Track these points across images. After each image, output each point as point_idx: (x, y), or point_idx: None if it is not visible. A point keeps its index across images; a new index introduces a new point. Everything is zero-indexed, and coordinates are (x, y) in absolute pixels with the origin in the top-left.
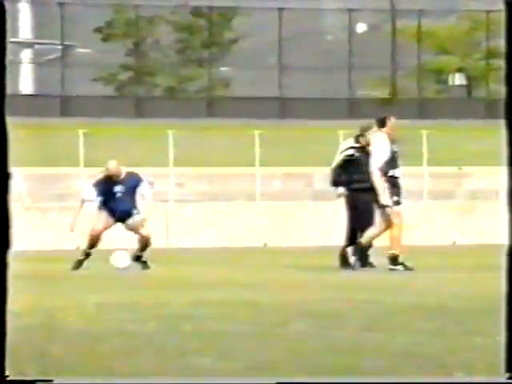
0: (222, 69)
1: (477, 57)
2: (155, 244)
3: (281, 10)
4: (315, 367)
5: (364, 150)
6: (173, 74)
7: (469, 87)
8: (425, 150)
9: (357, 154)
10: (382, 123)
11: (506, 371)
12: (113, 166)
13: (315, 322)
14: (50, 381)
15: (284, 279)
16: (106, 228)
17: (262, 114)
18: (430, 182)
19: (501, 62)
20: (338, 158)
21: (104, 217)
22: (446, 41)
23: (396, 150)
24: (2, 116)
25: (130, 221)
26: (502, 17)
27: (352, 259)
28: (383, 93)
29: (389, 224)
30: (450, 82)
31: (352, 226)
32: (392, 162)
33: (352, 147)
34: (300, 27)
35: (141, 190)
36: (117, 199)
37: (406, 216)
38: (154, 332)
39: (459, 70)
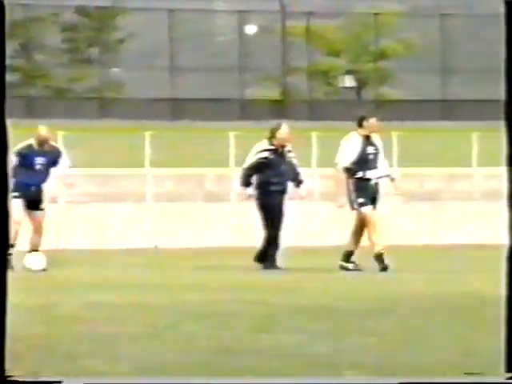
0: (114, 70)
1: (365, 59)
2: (46, 245)
3: (171, 11)
4: (205, 368)
5: (278, 152)
6: (61, 75)
7: (358, 89)
8: (314, 151)
9: (271, 157)
10: (359, 123)
11: (506, 371)
12: (44, 131)
13: (206, 322)
14: (51, 381)
15: (175, 280)
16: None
17: (154, 115)
18: (320, 183)
19: (389, 64)
20: (252, 159)
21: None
22: (336, 42)
23: (372, 151)
24: (2, 117)
25: (39, 214)
26: (389, 19)
27: (350, 265)
28: (274, 94)
29: (361, 224)
30: (340, 84)
31: (268, 226)
32: (364, 163)
33: (266, 149)
34: (191, 28)
35: (59, 166)
36: (36, 172)
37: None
38: (43, 334)
39: (348, 71)
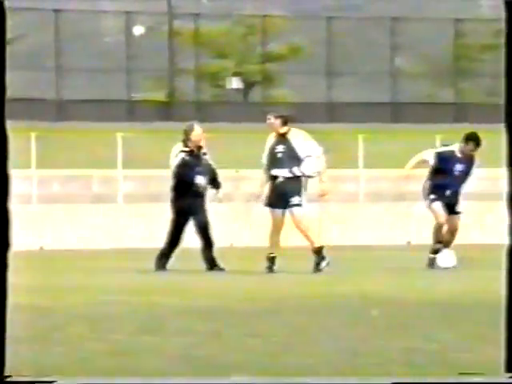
0: None
1: (253, 61)
2: None
3: (57, 11)
4: (91, 370)
5: (194, 154)
6: None
7: (245, 91)
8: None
9: (187, 159)
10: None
11: (506, 371)
12: None
13: (92, 325)
14: (51, 382)
15: (60, 283)
16: None
17: (39, 115)
18: None
19: (276, 67)
20: (173, 163)
21: None
22: (223, 44)
23: (281, 150)
24: (2, 118)
25: None
26: (277, 21)
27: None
28: (161, 95)
29: (274, 223)
30: (228, 86)
31: (176, 229)
32: (272, 162)
33: (182, 151)
34: (77, 29)
35: None
36: None
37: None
38: None
39: (236, 73)
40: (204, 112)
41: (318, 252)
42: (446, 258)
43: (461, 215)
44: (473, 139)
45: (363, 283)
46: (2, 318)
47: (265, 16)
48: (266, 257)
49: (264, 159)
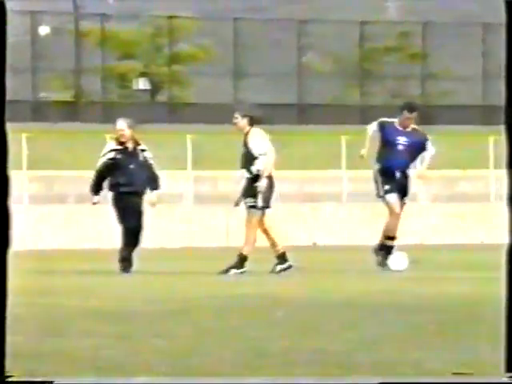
0: None
1: (159, 62)
2: None
3: None
4: None
5: (127, 152)
6: None
7: (152, 92)
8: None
9: (118, 157)
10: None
11: (506, 371)
12: None
13: None
14: (51, 382)
15: None
16: None
17: None
18: None
19: (183, 68)
20: (100, 161)
21: None
22: (130, 45)
23: (242, 150)
24: (2, 119)
25: None
26: (184, 22)
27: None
28: (67, 96)
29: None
30: (135, 87)
31: (125, 228)
32: (242, 163)
33: (113, 149)
34: None
35: None
36: None
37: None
38: None
39: (143, 74)
40: (111, 112)
41: (244, 258)
42: (397, 259)
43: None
44: (405, 107)
45: (270, 284)
46: (2, 318)
47: (171, 17)
48: (275, 255)
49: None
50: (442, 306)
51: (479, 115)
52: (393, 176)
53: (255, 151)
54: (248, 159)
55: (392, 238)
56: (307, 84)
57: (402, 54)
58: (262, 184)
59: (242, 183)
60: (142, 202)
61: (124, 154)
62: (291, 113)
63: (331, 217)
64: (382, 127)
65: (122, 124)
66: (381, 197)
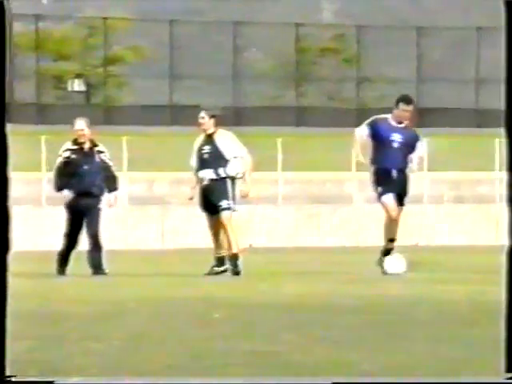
0: None
1: (95, 63)
2: None
3: None
4: None
5: (82, 152)
6: None
7: (87, 93)
8: (44, 154)
9: (73, 157)
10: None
11: (506, 371)
12: None
13: None
14: (51, 382)
15: None
16: None
17: None
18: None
19: (119, 69)
20: (57, 161)
21: None
22: (64, 47)
23: (207, 150)
24: (2, 121)
25: None
26: (119, 24)
27: None
28: None
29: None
30: (70, 88)
31: (72, 230)
32: (199, 163)
33: (68, 149)
34: None
35: None
36: None
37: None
38: None
39: (78, 75)
40: (45, 114)
41: (235, 257)
42: (394, 262)
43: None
44: (401, 99)
45: (207, 286)
46: (2, 318)
47: (106, 18)
48: (214, 257)
49: (192, 161)
50: (378, 307)
51: (414, 118)
52: (389, 176)
53: (229, 153)
54: (216, 160)
55: (392, 241)
56: (243, 86)
57: (337, 56)
58: (247, 189)
59: (206, 184)
60: (95, 204)
61: (79, 155)
62: (227, 115)
63: (267, 219)
64: (374, 126)
65: (81, 124)
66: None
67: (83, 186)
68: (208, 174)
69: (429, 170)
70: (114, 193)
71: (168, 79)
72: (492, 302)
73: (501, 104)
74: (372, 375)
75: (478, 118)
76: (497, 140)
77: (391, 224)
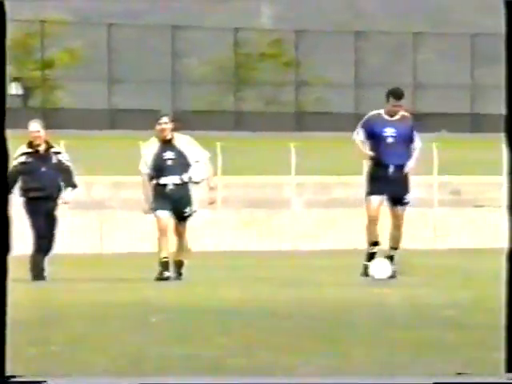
0: None
1: (32, 66)
2: None
3: None
4: None
5: (38, 155)
6: None
7: (25, 96)
8: None
9: (28, 160)
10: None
11: (506, 371)
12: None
13: None
14: (38, 381)
15: None
16: None
17: None
18: None
19: (56, 72)
20: (12, 165)
21: None
22: None
23: (170, 156)
24: (2, 125)
25: None
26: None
27: None
28: None
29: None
30: (7, 92)
31: (37, 234)
32: (160, 170)
33: (23, 153)
34: None
35: None
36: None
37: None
38: None
39: (15, 79)
40: None
41: (182, 264)
42: (380, 266)
43: (406, 207)
44: (390, 93)
45: (145, 290)
46: (3, 318)
47: (44, 21)
48: (158, 262)
49: (146, 167)
50: (314, 311)
51: (351, 122)
52: (384, 174)
53: (192, 158)
54: (180, 166)
55: (375, 244)
56: (182, 90)
57: (276, 60)
58: (214, 195)
59: (171, 189)
60: (55, 207)
61: (35, 158)
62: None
63: (205, 223)
64: (368, 124)
65: (36, 126)
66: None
67: (41, 189)
68: (173, 180)
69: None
70: (70, 190)
71: (106, 83)
72: (427, 305)
73: (437, 108)
74: (308, 378)
75: (416, 123)
76: (434, 144)
77: (371, 225)
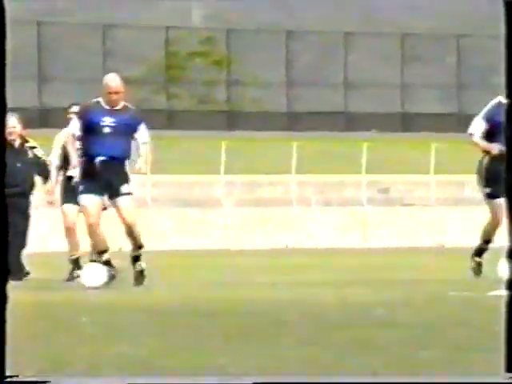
0: None
1: None
2: None
3: None
4: None
5: (13, 150)
6: None
7: None
8: None
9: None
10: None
11: (506, 371)
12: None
13: None
14: (42, 381)
15: None
16: None
17: None
18: None
19: None
20: None
21: None
22: None
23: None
24: (2, 123)
25: None
26: None
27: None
28: None
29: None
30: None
31: (12, 231)
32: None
33: None
34: None
35: None
36: None
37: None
38: None
39: None
40: None
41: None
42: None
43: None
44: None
45: (76, 290)
46: (2, 318)
47: None
48: (69, 260)
49: (54, 157)
50: (246, 310)
51: (284, 122)
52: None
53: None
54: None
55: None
56: None
57: (207, 59)
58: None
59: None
60: (29, 204)
61: (10, 152)
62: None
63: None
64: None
65: (13, 121)
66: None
67: (16, 185)
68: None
69: (296, 173)
70: (48, 183)
71: (36, 81)
72: (361, 304)
73: (367, 107)
74: (239, 378)
75: (347, 122)
76: (365, 144)
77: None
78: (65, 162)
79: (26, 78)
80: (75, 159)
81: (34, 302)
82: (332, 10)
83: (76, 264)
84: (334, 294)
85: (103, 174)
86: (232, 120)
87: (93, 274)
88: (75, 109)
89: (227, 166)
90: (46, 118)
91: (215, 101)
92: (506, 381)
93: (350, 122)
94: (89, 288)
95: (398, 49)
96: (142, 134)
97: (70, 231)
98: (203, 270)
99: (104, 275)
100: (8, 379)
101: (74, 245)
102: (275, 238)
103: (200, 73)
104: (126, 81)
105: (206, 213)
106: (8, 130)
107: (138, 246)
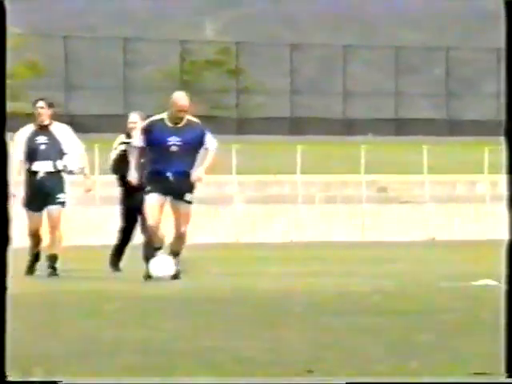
0: None
1: None
2: None
3: None
4: None
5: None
6: None
7: None
8: None
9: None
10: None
11: (506, 371)
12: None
13: None
14: (50, 382)
15: None
16: None
17: None
18: None
19: (14, 82)
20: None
21: None
22: None
23: (43, 141)
24: (3, 127)
25: None
26: (13, 39)
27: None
28: None
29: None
30: None
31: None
32: (32, 155)
33: (123, 142)
34: None
35: None
36: None
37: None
38: None
39: None
40: None
41: (55, 257)
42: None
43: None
44: None
45: (100, 280)
46: (2, 318)
47: None
48: (29, 254)
49: (19, 153)
50: (254, 299)
51: (287, 126)
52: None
53: (70, 147)
54: (54, 152)
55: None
56: (133, 96)
57: (219, 69)
58: (90, 183)
59: (41, 176)
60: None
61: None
62: (117, 122)
63: (84, 220)
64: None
65: (135, 117)
66: None
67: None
68: (45, 166)
69: (301, 173)
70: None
71: (63, 90)
72: (356, 293)
73: (365, 114)
74: (254, 361)
75: (346, 127)
76: (362, 147)
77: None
78: (29, 155)
79: (54, 88)
80: (134, 170)
81: (57, 290)
82: (332, 25)
83: (36, 257)
84: (335, 283)
85: (170, 184)
86: (241, 125)
87: (162, 265)
88: (40, 104)
89: (238, 167)
90: (71, 124)
91: (226, 107)
92: (506, 381)
93: (348, 126)
94: (156, 278)
95: (392, 60)
96: (210, 142)
97: (36, 231)
98: (215, 261)
99: (172, 268)
100: (8, 379)
101: (39, 240)
102: (282, 232)
103: (212, 81)
104: (144, 89)
105: (219, 209)
106: (129, 126)
107: (176, 253)
